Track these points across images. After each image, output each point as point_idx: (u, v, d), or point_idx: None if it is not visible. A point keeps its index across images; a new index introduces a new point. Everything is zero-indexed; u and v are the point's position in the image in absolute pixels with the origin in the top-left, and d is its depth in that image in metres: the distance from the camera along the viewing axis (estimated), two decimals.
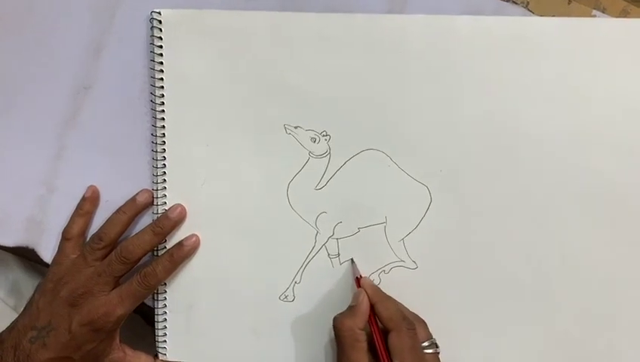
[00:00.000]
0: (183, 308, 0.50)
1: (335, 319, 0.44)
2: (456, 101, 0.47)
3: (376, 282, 0.49)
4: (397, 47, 0.47)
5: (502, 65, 0.47)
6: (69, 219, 0.51)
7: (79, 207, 0.51)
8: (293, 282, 0.50)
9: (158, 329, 0.51)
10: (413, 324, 0.43)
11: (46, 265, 0.52)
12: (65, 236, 0.50)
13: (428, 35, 0.47)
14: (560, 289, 0.48)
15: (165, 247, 0.50)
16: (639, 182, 0.47)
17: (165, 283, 0.50)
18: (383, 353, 0.42)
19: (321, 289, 0.49)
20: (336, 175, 0.49)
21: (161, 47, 0.48)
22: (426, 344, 0.43)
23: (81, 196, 0.51)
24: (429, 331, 0.45)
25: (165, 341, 0.51)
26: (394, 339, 0.42)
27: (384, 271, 0.49)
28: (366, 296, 0.44)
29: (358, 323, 0.43)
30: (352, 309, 0.44)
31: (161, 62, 0.48)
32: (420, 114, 0.47)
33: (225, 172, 0.49)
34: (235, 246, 0.50)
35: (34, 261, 0.52)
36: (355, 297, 0.45)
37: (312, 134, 0.48)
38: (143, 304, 0.50)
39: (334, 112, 0.48)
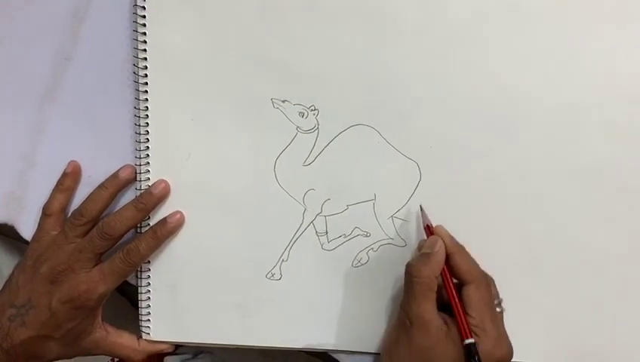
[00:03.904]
0: (167, 286, 0.49)
1: (410, 265, 0.42)
2: (447, 74, 0.46)
3: (364, 260, 0.48)
4: (386, 18, 0.46)
5: (494, 35, 0.45)
6: (49, 194, 0.49)
7: (60, 182, 0.49)
8: (281, 260, 0.49)
9: (141, 308, 0.50)
10: (490, 279, 0.42)
11: (26, 242, 0.50)
12: (45, 212, 0.48)
13: (418, 5, 0.45)
14: (555, 270, 0.47)
15: (149, 224, 0.49)
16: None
17: (149, 261, 0.49)
18: (459, 305, 0.41)
19: (309, 267, 0.49)
20: (324, 151, 0.48)
21: (144, 17, 0.47)
22: (496, 302, 0.42)
23: (62, 171, 0.49)
24: (497, 290, 0.44)
25: (149, 320, 0.50)
26: (472, 292, 0.41)
27: (372, 248, 0.48)
28: (443, 245, 0.43)
29: (435, 271, 0.41)
30: (427, 256, 0.42)
31: (144, 33, 0.47)
32: (409, 88, 0.46)
33: (210, 147, 0.48)
34: (220, 222, 0.49)
35: (13, 238, 0.51)
36: (430, 244, 0.43)
37: (300, 108, 0.47)
38: (129, 285, 0.49)
39: (323, 86, 0.47)
